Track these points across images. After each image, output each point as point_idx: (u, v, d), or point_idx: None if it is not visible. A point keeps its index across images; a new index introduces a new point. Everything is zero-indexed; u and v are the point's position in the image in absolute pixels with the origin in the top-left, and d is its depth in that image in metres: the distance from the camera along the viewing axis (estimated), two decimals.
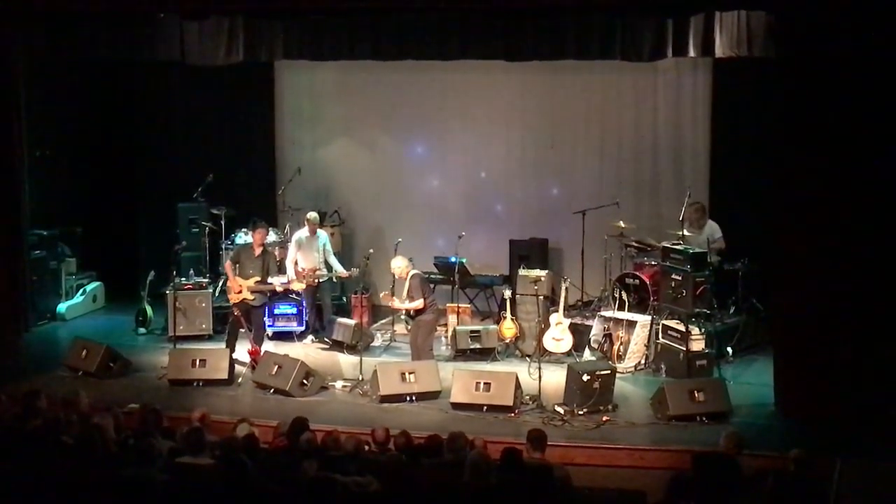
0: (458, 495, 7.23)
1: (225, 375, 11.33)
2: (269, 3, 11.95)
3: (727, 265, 12.44)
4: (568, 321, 12.21)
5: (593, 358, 11.91)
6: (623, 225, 12.81)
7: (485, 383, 10.62)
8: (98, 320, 14.14)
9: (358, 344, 11.92)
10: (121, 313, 14.08)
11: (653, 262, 12.49)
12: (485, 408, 10.47)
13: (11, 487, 7.25)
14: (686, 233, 12.01)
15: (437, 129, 14.70)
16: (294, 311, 12.97)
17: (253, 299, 11.84)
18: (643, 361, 11.89)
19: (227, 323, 12.34)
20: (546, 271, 12.73)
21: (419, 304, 11.55)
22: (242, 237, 13.38)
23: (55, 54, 13.00)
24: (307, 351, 12.52)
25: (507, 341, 12.43)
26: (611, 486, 8.46)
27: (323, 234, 13.04)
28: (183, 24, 12.53)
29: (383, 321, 13.56)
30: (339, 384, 11.36)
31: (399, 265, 11.76)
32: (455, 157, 14.70)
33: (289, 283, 12.25)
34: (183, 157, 14.85)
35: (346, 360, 12.21)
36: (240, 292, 11.81)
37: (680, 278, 11.44)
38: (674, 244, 11.75)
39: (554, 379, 11.03)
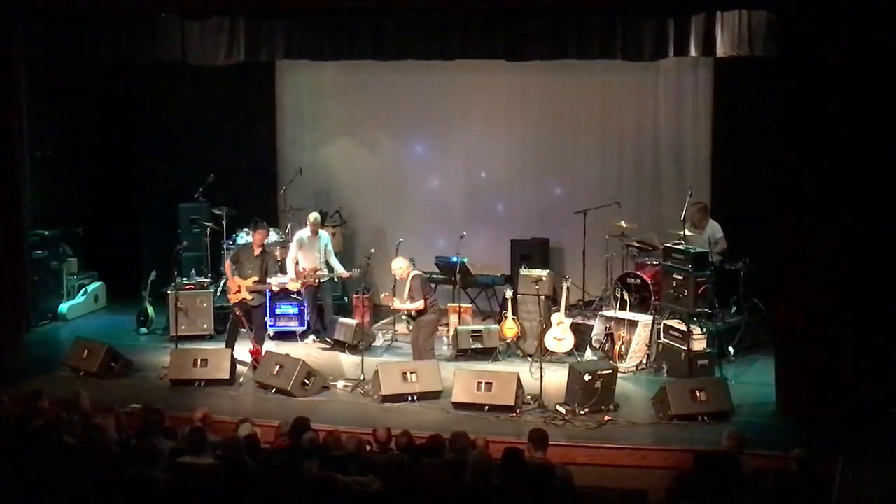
0: (460, 495, 7.24)
1: (226, 375, 11.33)
2: (269, 2, 11.94)
3: (728, 265, 12.43)
4: (569, 321, 12.20)
5: (595, 358, 11.90)
6: (624, 224, 12.81)
7: (486, 383, 10.62)
8: (99, 320, 14.14)
9: (359, 344, 11.91)
10: (122, 313, 14.08)
11: (654, 262, 12.49)
12: (486, 407, 10.47)
13: (13, 488, 7.26)
14: (687, 232, 12.01)
15: (438, 129, 14.69)
16: (296, 310, 12.97)
17: (251, 299, 11.84)
18: (644, 361, 11.89)
19: (228, 323, 12.35)
20: (547, 271, 12.74)
21: (420, 305, 11.55)
22: (244, 237, 13.38)
23: (56, 54, 13.02)
24: (308, 351, 12.51)
25: (509, 341, 12.42)
26: (612, 486, 8.47)
27: (325, 235, 13.04)
28: (184, 23, 12.53)
29: (384, 321, 13.55)
30: (340, 384, 11.36)
31: (400, 266, 11.76)
32: (456, 157, 14.69)
33: (286, 283, 12.25)
34: (184, 158, 14.85)
35: (348, 360, 12.21)
36: (238, 292, 11.82)
37: (681, 278, 11.43)
38: (675, 244, 11.75)
39: (555, 379, 11.03)
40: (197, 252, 13.99)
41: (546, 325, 12.13)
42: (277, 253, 13.09)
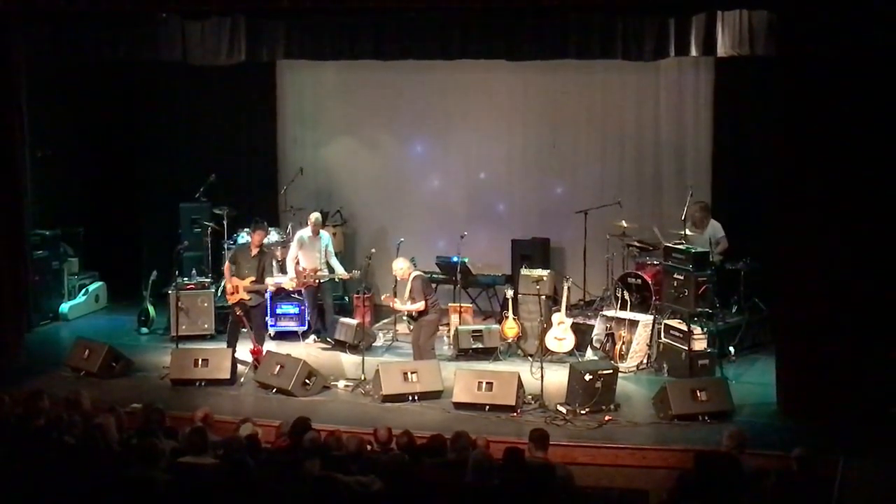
0: (461, 495, 7.24)
1: (227, 375, 11.34)
2: (270, 2, 11.94)
3: (729, 264, 12.43)
4: (570, 321, 12.21)
5: (595, 357, 11.91)
6: (625, 224, 12.81)
7: (487, 383, 10.62)
8: (100, 320, 14.15)
9: (360, 344, 11.91)
10: (123, 313, 14.10)
11: (655, 262, 12.49)
12: (487, 407, 10.48)
13: (14, 487, 7.26)
14: (688, 232, 12.01)
15: (439, 129, 14.69)
16: (296, 310, 12.97)
17: (249, 299, 11.83)
18: (645, 361, 11.89)
19: (229, 323, 12.35)
20: (548, 271, 12.75)
21: (420, 306, 11.56)
22: (245, 237, 13.38)
23: (56, 54, 13.00)
24: (309, 351, 12.52)
25: (510, 341, 12.42)
26: (613, 486, 8.48)
27: (326, 236, 13.04)
28: (184, 23, 12.52)
29: (385, 321, 13.56)
30: (341, 384, 11.36)
31: (401, 267, 11.77)
32: (457, 157, 14.69)
33: (282, 283, 12.26)
34: (185, 157, 14.86)
35: (349, 360, 12.22)
36: (235, 293, 11.82)
37: (682, 278, 11.44)
38: (676, 244, 11.75)
39: (556, 378, 11.04)
40: (198, 252, 14.00)
41: (547, 324, 12.13)
42: (278, 253, 13.09)
